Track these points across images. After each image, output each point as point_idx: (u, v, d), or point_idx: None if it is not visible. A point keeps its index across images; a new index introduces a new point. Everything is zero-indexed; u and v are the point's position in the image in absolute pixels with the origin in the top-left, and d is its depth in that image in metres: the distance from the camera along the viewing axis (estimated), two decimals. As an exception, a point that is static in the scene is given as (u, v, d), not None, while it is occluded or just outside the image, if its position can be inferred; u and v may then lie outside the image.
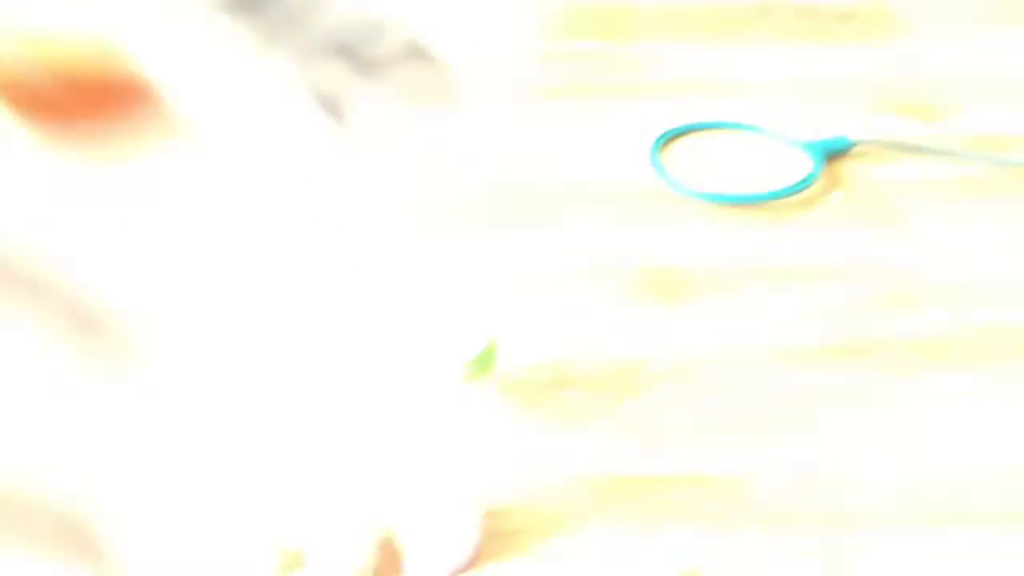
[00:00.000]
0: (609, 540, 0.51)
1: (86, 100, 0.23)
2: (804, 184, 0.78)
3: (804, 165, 0.83)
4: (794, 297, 0.68)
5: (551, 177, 0.81)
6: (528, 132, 0.87)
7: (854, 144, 0.83)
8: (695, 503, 0.53)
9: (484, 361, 0.41)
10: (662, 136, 0.85)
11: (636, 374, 0.61)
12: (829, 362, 0.63)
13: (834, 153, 0.83)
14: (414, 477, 0.44)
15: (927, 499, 0.53)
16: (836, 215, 0.77)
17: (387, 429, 0.38)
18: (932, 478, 0.55)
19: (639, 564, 0.50)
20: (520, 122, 0.88)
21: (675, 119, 0.89)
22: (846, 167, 0.83)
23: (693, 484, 0.54)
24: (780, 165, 0.83)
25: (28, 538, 0.19)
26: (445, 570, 0.48)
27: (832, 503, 0.53)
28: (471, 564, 0.49)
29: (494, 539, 0.51)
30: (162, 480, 0.20)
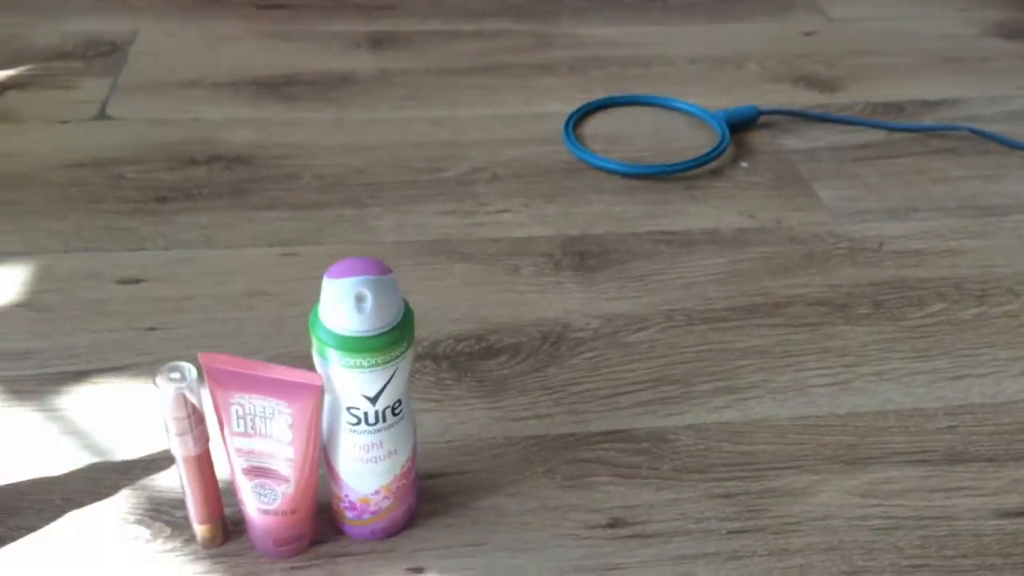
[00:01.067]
0: (539, 496, 0.52)
1: None
2: (714, 153, 0.80)
3: (713, 136, 0.85)
4: (707, 262, 0.70)
5: (469, 152, 0.81)
6: (444, 109, 0.87)
7: (760, 114, 0.86)
8: (620, 458, 0.54)
9: (404, 328, 0.41)
10: (575, 112, 0.86)
11: (558, 340, 0.62)
12: (742, 321, 0.65)
13: (741, 123, 0.85)
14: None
15: (839, 443, 0.56)
16: (745, 182, 0.79)
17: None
18: (844, 424, 0.57)
19: (569, 517, 0.50)
20: (435, 99, 0.88)
21: (587, 95, 0.90)
22: (753, 137, 0.86)
23: (618, 440, 0.55)
24: (690, 136, 0.85)
25: None
26: (383, 532, 0.48)
27: (749, 450, 0.55)
28: (407, 524, 0.49)
29: (428, 500, 0.51)
30: None
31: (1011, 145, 0.84)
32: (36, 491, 0.50)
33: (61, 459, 0.52)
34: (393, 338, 0.41)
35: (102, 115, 0.83)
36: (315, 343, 0.41)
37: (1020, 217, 0.76)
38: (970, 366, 0.62)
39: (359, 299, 0.39)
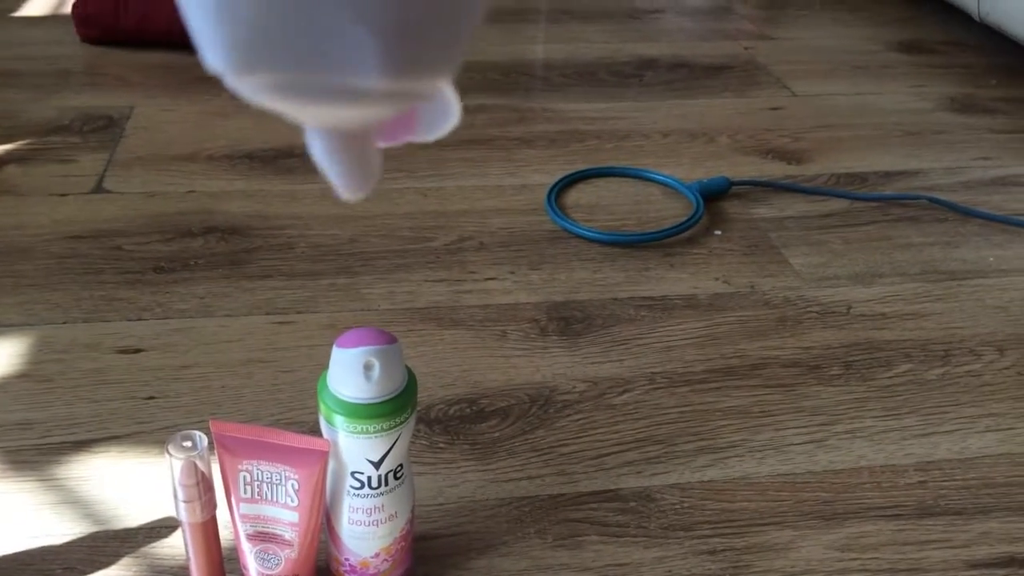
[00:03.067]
0: (531, 556, 0.53)
1: None
2: (690, 223, 0.84)
3: (688, 205, 0.89)
4: (686, 325, 0.73)
5: (456, 222, 0.84)
6: (431, 180, 0.91)
7: (732, 185, 0.91)
8: (609, 517, 0.56)
9: (408, 395, 0.43)
10: (557, 182, 0.90)
11: (546, 403, 0.65)
12: (720, 383, 0.68)
13: (714, 194, 0.90)
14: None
15: (816, 499, 0.58)
16: (720, 249, 0.83)
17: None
18: (821, 480, 0.60)
19: (561, 577, 0.52)
20: (423, 171, 0.91)
21: (567, 167, 0.94)
22: (726, 206, 0.90)
23: (606, 499, 0.58)
24: (666, 206, 0.89)
25: None
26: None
27: (731, 507, 0.57)
28: (401, 589, 0.51)
29: (424, 562, 0.52)
30: None
31: (967, 213, 0.89)
32: (37, 561, 0.51)
33: (62, 528, 0.53)
34: (398, 404, 0.43)
35: (99, 188, 0.85)
36: (322, 409, 0.44)
37: (978, 281, 0.80)
38: (937, 423, 0.65)
39: (367, 368, 0.42)
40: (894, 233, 0.87)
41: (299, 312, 0.72)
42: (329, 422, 0.43)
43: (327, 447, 0.43)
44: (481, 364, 0.68)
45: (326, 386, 0.43)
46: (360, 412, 0.42)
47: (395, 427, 0.43)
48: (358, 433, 0.43)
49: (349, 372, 0.42)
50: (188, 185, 0.87)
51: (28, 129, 0.95)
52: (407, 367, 0.45)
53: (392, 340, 0.43)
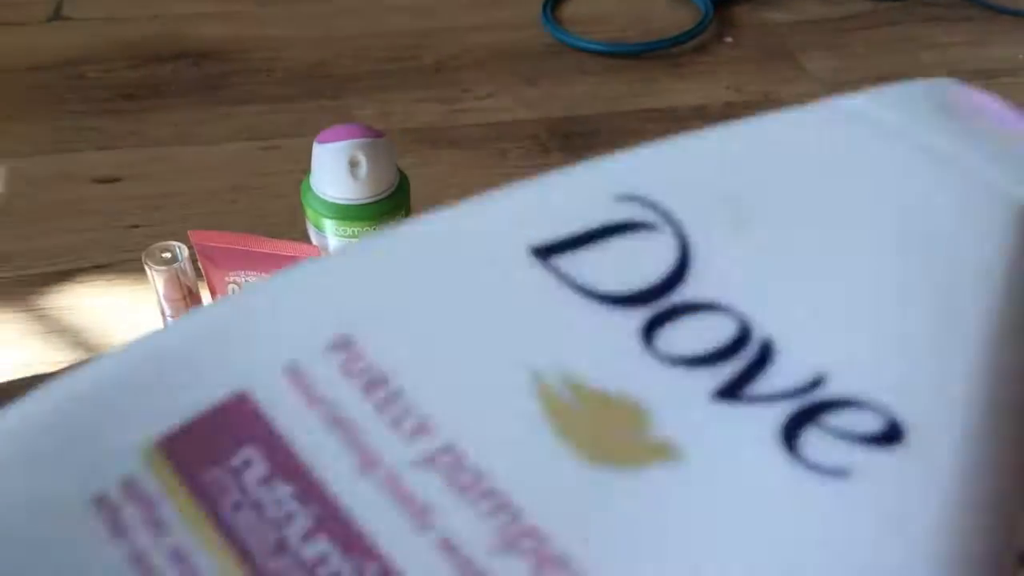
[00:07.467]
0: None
1: None
2: (697, 30, 0.78)
3: (695, 13, 0.83)
4: (697, 137, 0.69)
5: (444, 38, 0.78)
6: (417, -2, 0.84)
7: (743, -12, 0.84)
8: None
9: (402, 195, 0.39)
10: (554, -7, 0.83)
11: (551, 220, 0.61)
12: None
13: (724, -2, 0.83)
14: None
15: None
16: (730, 57, 0.78)
17: None
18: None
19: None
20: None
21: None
22: (737, 11, 0.84)
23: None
24: (672, 15, 0.83)
25: None
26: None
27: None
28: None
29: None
30: None
31: (995, 10, 0.83)
32: (30, 389, 0.49)
33: (52, 356, 0.51)
34: (391, 205, 0.40)
35: (58, 16, 0.79)
36: (309, 215, 0.40)
37: (1008, 79, 0.75)
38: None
39: (353, 164, 0.38)
40: (919, 33, 0.81)
41: (285, 136, 0.67)
42: (317, 227, 0.40)
43: (317, 252, 0.40)
44: (482, 183, 0.64)
45: (310, 188, 0.40)
46: (349, 213, 0.39)
47: (390, 230, 0.40)
48: (349, 238, 0.40)
49: (334, 170, 0.38)
50: (152, 9, 0.80)
51: (-24, -45, 0.87)
52: (399, 169, 0.41)
53: (378, 134, 0.39)
